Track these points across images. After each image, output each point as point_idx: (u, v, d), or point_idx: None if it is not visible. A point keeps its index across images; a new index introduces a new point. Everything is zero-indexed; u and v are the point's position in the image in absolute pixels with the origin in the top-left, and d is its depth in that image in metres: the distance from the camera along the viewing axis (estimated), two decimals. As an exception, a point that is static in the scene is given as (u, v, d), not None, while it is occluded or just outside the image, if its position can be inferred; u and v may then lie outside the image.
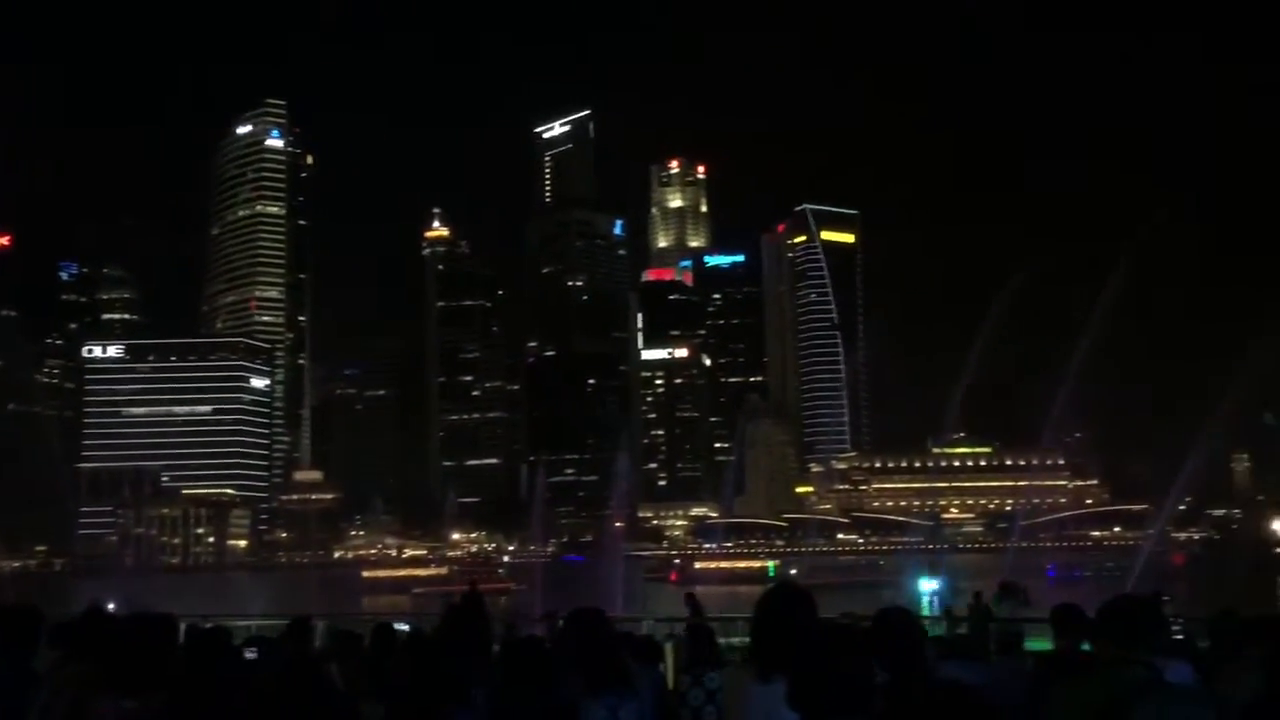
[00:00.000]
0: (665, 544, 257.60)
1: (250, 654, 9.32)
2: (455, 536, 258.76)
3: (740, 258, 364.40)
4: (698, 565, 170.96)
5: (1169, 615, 20.00)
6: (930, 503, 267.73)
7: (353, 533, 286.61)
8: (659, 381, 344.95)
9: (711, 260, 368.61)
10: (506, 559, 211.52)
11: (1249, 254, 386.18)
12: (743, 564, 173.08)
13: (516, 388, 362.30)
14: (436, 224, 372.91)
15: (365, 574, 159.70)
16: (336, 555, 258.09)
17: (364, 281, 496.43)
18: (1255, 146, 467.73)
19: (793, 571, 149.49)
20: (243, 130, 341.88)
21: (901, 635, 5.96)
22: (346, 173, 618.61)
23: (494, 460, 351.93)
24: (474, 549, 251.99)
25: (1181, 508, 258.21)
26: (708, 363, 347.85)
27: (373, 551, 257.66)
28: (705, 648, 9.04)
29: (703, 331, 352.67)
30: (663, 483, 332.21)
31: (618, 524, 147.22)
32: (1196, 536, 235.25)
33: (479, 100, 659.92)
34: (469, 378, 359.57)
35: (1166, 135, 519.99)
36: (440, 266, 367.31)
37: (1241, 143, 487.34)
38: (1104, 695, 4.73)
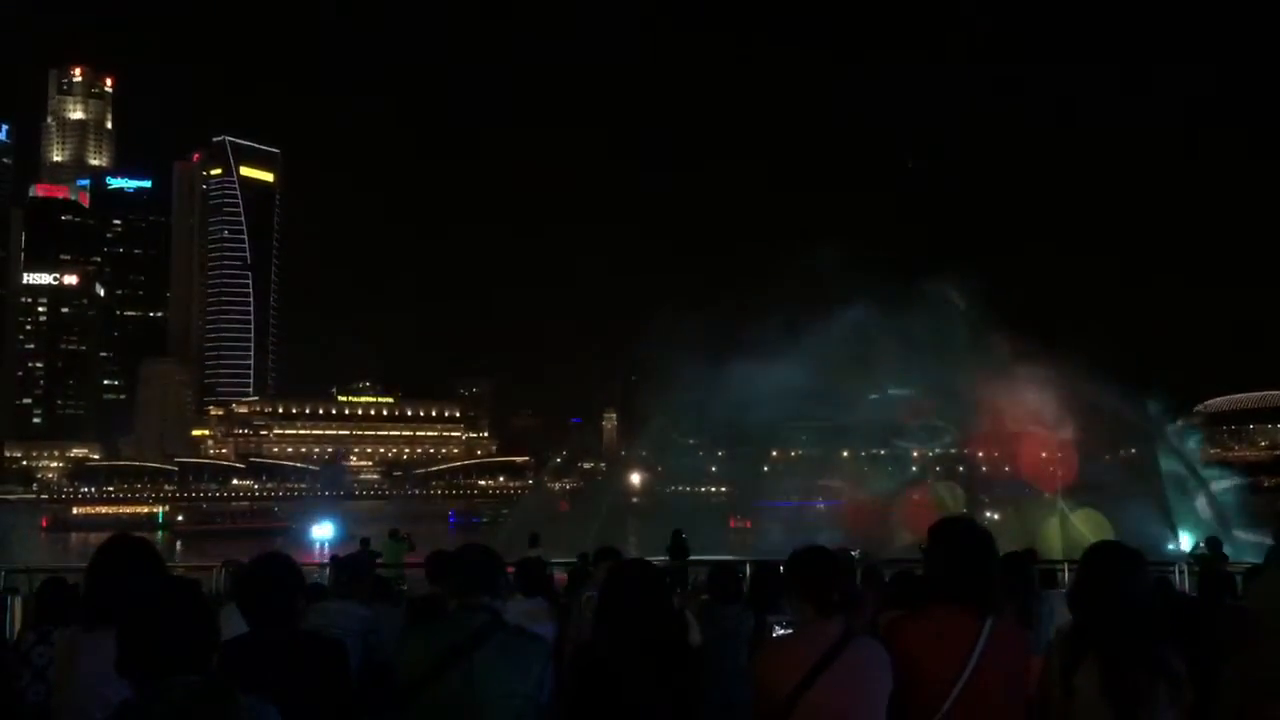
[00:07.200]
0: (35, 488, 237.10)
1: None
2: None
3: (147, 183, 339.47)
4: (76, 511, 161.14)
5: (540, 556, 23.72)
6: (331, 449, 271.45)
7: None
8: (41, 309, 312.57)
9: (115, 183, 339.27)
10: None
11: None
12: (128, 509, 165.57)
13: None
14: None
15: None
16: None
17: None
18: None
19: (180, 518, 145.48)
20: None
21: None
22: None
23: None
24: None
25: (558, 460, 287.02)
26: (101, 293, 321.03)
27: None
28: (59, 602, 7.21)
29: (98, 259, 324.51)
30: (38, 420, 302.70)
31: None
32: (569, 486, 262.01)
33: None
34: None
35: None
36: None
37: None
38: (448, 639, 5.13)
